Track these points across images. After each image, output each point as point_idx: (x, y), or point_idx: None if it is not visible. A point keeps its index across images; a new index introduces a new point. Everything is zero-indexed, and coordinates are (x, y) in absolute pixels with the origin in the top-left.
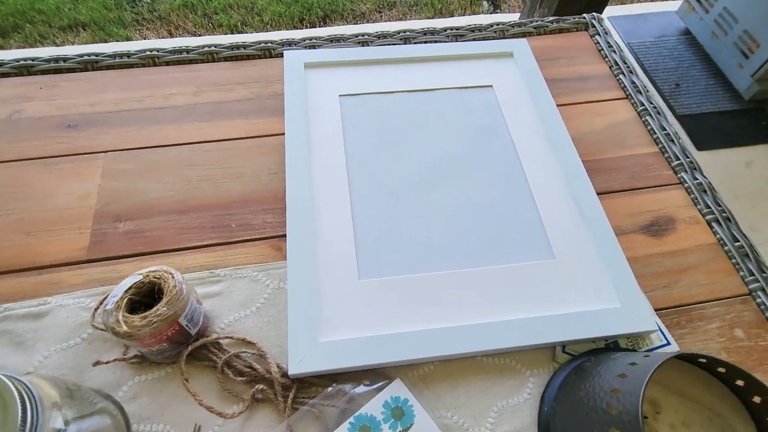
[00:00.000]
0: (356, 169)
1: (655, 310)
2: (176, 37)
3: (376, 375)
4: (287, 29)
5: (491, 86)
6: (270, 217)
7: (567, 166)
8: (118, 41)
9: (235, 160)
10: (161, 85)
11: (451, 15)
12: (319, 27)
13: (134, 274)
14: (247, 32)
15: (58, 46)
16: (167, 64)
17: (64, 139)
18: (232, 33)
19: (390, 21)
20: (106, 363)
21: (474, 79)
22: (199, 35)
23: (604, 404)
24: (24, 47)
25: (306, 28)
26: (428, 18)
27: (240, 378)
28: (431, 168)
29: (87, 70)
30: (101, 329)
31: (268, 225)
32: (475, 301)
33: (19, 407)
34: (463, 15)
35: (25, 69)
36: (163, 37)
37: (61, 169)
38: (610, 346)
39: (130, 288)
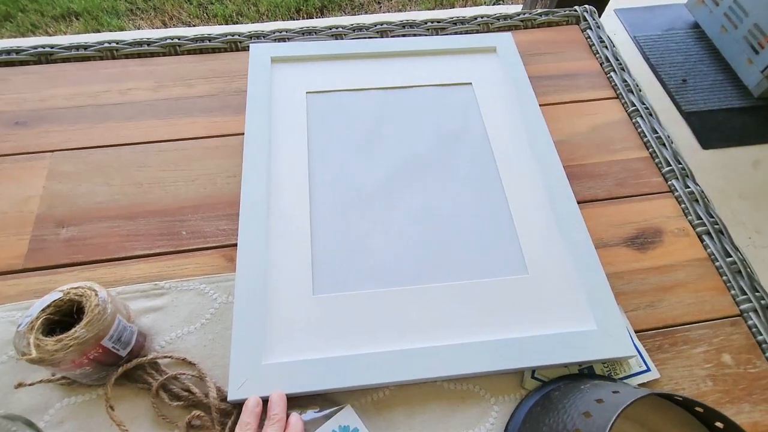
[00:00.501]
0: (319, 174)
1: (636, 331)
2: (170, 27)
3: (325, 401)
4: (284, 20)
5: (470, 83)
6: (224, 224)
7: (547, 172)
8: (111, 31)
9: (191, 161)
10: (119, 80)
11: (452, 6)
12: (317, 18)
13: (54, 291)
14: (242, 23)
15: (50, 35)
16: (127, 57)
17: (10, 137)
18: (227, 23)
19: (389, 12)
20: (30, 385)
21: (453, 76)
22: (194, 26)
23: None
24: (16, 36)
25: (303, 18)
26: (428, 9)
27: (176, 402)
28: (400, 173)
29: (41, 63)
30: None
31: (221, 233)
32: (439, 321)
33: None
34: (465, 6)
35: None
36: (157, 27)
37: (4, 169)
38: (585, 371)
39: (48, 306)
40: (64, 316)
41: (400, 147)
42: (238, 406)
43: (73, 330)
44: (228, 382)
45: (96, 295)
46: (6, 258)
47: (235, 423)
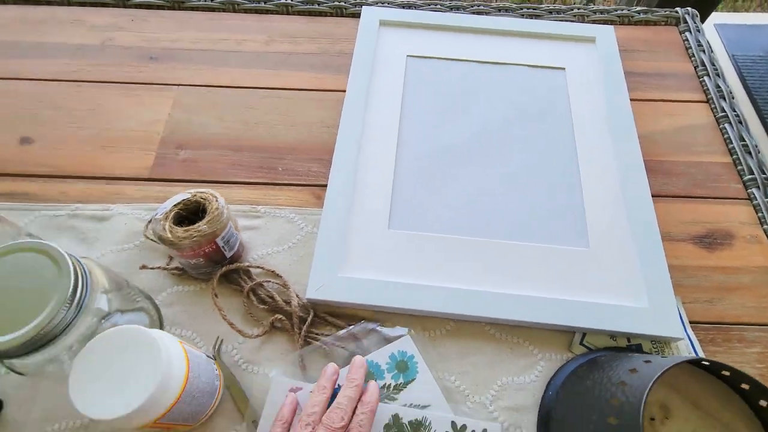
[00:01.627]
0: (407, 130)
1: (691, 322)
2: None
3: (388, 325)
4: None
5: (564, 69)
6: (315, 167)
7: (625, 159)
8: None
9: (291, 109)
10: (237, 31)
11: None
12: None
13: (184, 192)
14: None
15: None
16: (245, 11)
17: (144, 69)
18: None
19: None
20: (151, 269)
21: (547, 59)
22: None
23: (608, 395)
24: None
25: None
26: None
27: (262, 306)
28: (483, 139)
29: (174, 9)
30: (151, 239)
31: (311, 173)
32: (499, 272)
33: (72, 279)
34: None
35: (122, 0)
36: None
37: (137, 95)
38: (632, 347)
39: (178, 203)
40: (189, 214)
41: (485, 117)
42: (315, 317)
43: (197, 224)
44: (306, 290)
45: (216, 200)
46: (135, 168)
47: (309, 331)
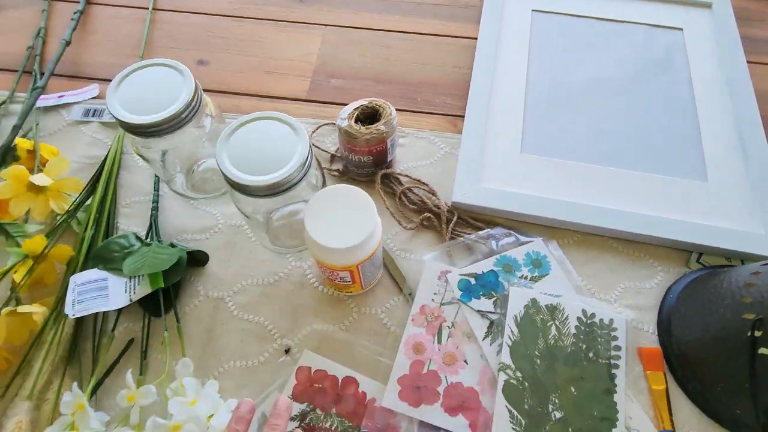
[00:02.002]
0: (535, 72)
1: None
2: None
3: (520, 233)
4: None
5: (681, 29)
6: (449, 100)
7: (743, 114)
8: None
9: (425, 51)
10: None
11: None
12: None
13: (362, 99)
14: None
15: None
16: None
17: (295, 10)
18: None
19: None
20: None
21: (665, 20)
22: None
23: (737, 296)
24: None
25: None
26: None
27: (412, 206)
28: (605, 86)
29: None
30: (317, 147)
31: (447, 105)
32: (623, 196)
33: (307, 144)
34: None
35: None
36: None
37: (291, 32)
38: None
39: (358, 107)
40: (365, 118)
41: (607, 69)
42: (459, 218)
43: (375, 125)
44: (450, 198)
45: (389, 108)
46: (294, 90)
47: (454, 229)
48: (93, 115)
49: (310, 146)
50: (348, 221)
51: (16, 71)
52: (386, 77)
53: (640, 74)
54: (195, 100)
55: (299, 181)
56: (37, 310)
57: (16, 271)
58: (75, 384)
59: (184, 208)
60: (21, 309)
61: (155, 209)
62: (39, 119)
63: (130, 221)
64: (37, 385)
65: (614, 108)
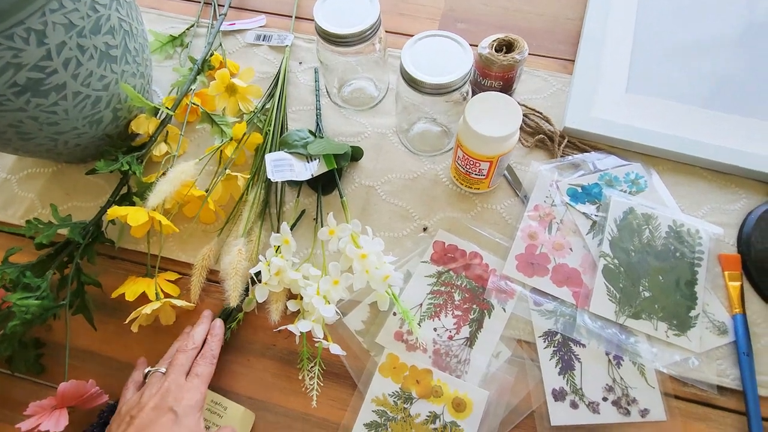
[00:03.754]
0: (643, 23)
1: None
2: None
3: (623, 156)
4: None
5: None
6: (561, 47)
7: None
8: None
9: (541, 3)
10: None
11: None
12: None
13: (496, 34)
14: None
15: None
16: None
17: None
18: None
19: None
20: None
21: None
22: None
23: None
24: None
25: None
26: None
27: (529, 129)
28: (717, 38)
29: None
30: None
31: (559, 50)
32: (716, 133)
33: (471, 57)
34: None
35: None
36: None
37: None
38: None
39: (495, 39)
40: (500, 49)
41: (721, 23)
42: (567, 143)
43: (511, 53)
44: (560, 127)
45: (523, 41)
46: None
47: (562, 149)
48: (263, 40)
49: (473, 61)
50: (499, 118)
51: (199, 2)
52: (506, 24)
53: (752, 31)
54: (377, 21)
55: (460, 87)
56: (242, 176)
57: (222, 150)
58: (284, 223)
59: (338, 116)
60: (231, 172)
61: (318, 114)
62: (221, 41)
63: (296, 124)
64: (246, 228)
65: (731, 56)
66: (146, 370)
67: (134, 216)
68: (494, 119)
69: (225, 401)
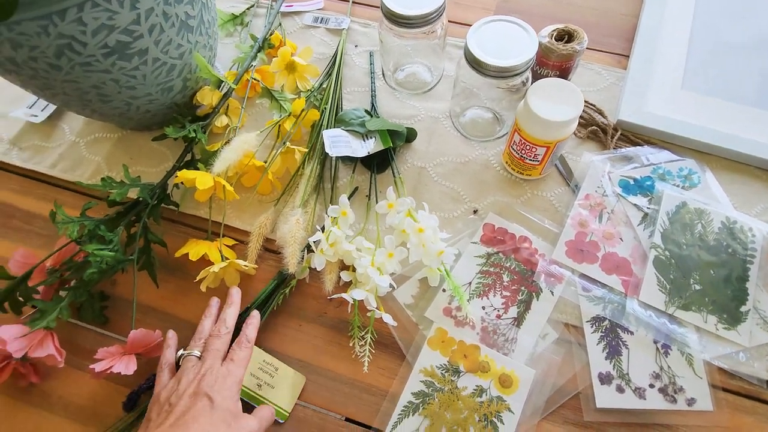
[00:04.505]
0: (700, 22)
1: None
2: None
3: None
4: None
5: None
6: (615, 41)
7: None
8: None
9: (592, 0)
10: None
11: None
12: None
13: (556, 23)
14: None
15: None
16: None
17: None
18: None
19: None
20: None
21: None
22: None
23: None
24: None
25: None
26: None
27: (582, 120)
28: None
29: None
30: None
31: (613, 45)
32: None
33: (537, 42)
34: None
35: None
36: None
37: None
38: None
39: (556, 29)
40: (559, 39)
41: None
42: (620, 136)
43: (571, 43)
44: (613, 119)
45: (583, 32)
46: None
47: (615, 142)
48: (320, 22)
49: (536, 47)
50: (560, 104)
51: None
52: (559, 16)
53: None
54: (442, 5)
55: (523, 71)
56: (299, 150)
57: (281, 125)
58: (344, 196)
59: (392, 99)
60: (290, 146)
61: (374, 95)
62: (280, 21)
63: (350, 104)
64: (302, 200)
65: None
66: (179, 353)
67: (202, 180)
68: (556, 105)
69: (276, 362)
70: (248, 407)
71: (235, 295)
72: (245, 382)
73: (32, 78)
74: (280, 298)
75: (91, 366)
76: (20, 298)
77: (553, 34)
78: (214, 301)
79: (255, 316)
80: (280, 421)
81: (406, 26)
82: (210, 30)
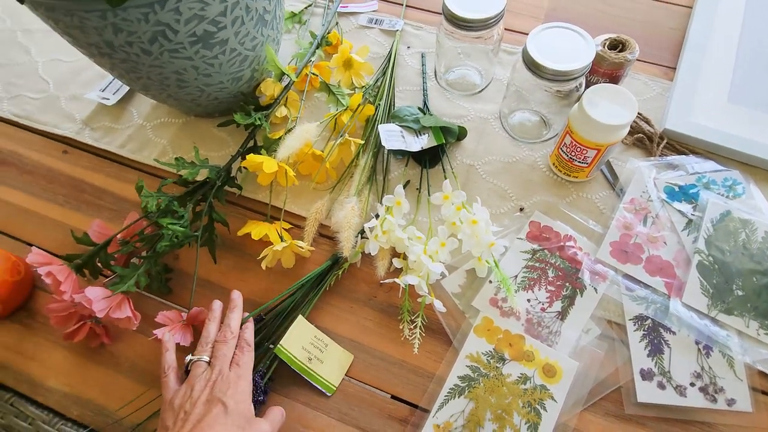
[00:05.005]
0: (748, 33)
1: None
2: None
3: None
4: None
5: None
6: (664, 54)
7: None
8: None
9: (640, 11)
10: None
11: None
12: None
13: (610, 33)
14: None
15: None
16: None
17: None
18: None
19: None
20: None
21: None
22: None
23: None
24: None
25: None
26: None
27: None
28: None
29: None
30: None
31: (660, 57)
32: None
33: (594, 47)
34: None
35: None
36: None
37: None
38: None
39: (608, 38)
40: (611, 47)
41: None
42: (667, 145)
43: (623, 52)
44: (659, 127)
45: (635, 42)
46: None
47: (661, 150)
48: (375, 23)
49: (593, 54)
50: (614, 108)
51: None
52: (607, 27)
53: None
54: (502, 10)
55: (578, 77)
56: (355, 142)
57: (337, 117)
58: (400, 185)
59: (443, 98)
60: (348, 138)
61: (426, 94)
62: (337, 20)
63: (402, 102)
64: (357, 189)
65: None
66: (188, 359)
67: (268, 164)
68: (609, 109)
69: (326, 339)
70: (297, 379)
71: (237, 298)
72: (297, 354)
73: (123, 61)
74: (333, 279)
75: (155, 331)
76: (99, 264)
77: (606, 43)
78: (217, 305)
79: (250, 323)
80: (328, 394)
81: (466, 29)
82: (279, 25)
